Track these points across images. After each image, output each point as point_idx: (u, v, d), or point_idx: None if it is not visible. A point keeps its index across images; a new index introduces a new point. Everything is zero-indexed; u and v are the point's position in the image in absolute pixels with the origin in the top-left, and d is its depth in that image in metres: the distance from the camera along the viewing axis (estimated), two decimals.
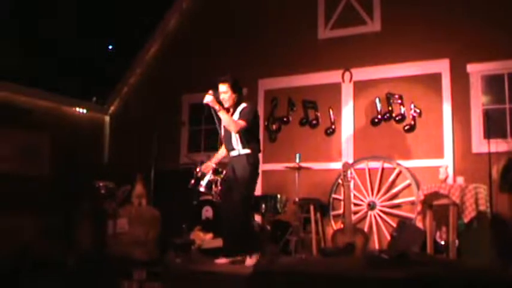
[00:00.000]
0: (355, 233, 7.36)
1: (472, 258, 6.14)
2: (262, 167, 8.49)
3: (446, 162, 7.73)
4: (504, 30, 7.71)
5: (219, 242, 6.88)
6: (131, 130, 10.45)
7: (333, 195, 8.53)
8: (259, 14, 9.65)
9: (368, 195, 8.30)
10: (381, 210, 8.17)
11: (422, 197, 7.06)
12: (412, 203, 7.89)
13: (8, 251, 6.33)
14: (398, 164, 8.15)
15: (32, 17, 9.90)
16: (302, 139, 8.90)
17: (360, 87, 8.67)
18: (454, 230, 6.69)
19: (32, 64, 9.75)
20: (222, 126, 6.63)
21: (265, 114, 9.23)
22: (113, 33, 11.47)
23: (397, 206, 8.10)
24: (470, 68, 7.91)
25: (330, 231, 8.22)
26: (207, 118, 7.01)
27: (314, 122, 8.93)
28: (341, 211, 8.18)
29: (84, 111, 10.67)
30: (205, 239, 7.27)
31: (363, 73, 8.65)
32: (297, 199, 7.81)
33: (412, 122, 8.20)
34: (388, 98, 8.38)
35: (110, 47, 12.09)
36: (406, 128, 8.24)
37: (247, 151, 6.47)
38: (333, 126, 8.78)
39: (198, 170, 7.23)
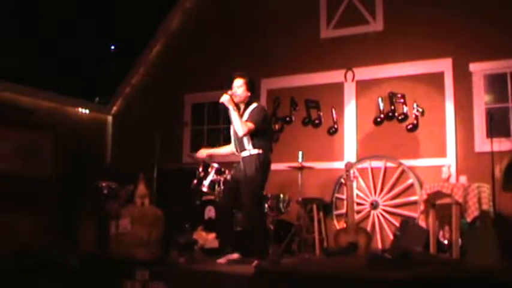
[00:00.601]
0: (358, 232, 7.36)
1: (475, 257, 6.13)
2: None
3: (449, 162, 7.73)
4: (507, 29, 7.71)
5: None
6: (134, 130, 10.46)
7: (336, 195, 8.53)
8: (262, 14, 9.66)
9: (371, 194, 8.30)
10: (384, 210, 8.16)
11: (425, 196, 7.04)
12: (415, 202, 7.88)
13: (10, 251, 6.33)
14: (401, 164, 8.15)
15: (34, 16, 9.90)
16: (305, 139, 8.90)
17: (363, 86, 8.67)
18: (457, 229, 6.68)
19: (35, 64, 9.76)
20: (233, 129, 6.60)
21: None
22: (115, 33, 11.48)
23: (400, 206, 8.10)
24: (473, 67, 7.90)
25: (332, 231, 8.22)
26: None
27: (317, 121, 8.92)
28: (344, 210, 8.17)
29: (87, 111, 10.68)
30: (208, 238, 7.27)
31: (365, 72, 8.64)
32: (299, 199, 7.81)
33: (415, 121, 8.19)
34: (391, 97, 8.38)
35: (113, 47, 12.09)
36: (408, 127, 8.23)
37: (258, 151, 6.45)
38: (336, 126, 8.78)
39: (200, 170, 7.23)
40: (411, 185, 8.06)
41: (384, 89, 8.46)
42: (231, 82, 6.58)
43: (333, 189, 8.56)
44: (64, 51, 10.15)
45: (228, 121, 6.77)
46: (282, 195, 7.66)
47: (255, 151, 6.43)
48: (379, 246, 8.00)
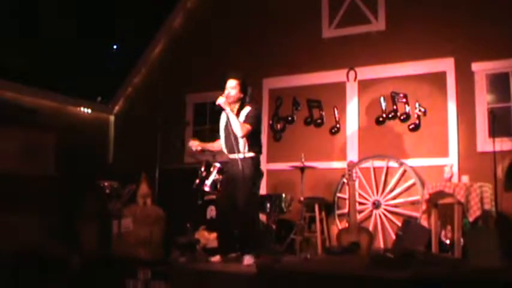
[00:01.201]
0: (360, 232, 7.35)
1: (477, 257, 6.12)
2: (267, 166, 8.54)
3: (451, 161, 7.72)
4: (509, 29, 7.70)
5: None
6: (136, 130, 10.47)
7: (338, 194, 8.53)
8: (264, 13, 9.66)
9: (373, 194, 8.30)
10: (386, 209, 8.16)
11: (427, 196, 7.04)
12: (417, 202, 7.87)
13: (12, 251, 6.33)
14: (403, 163, 8.14)
15: (35, 16, 9.91)
16: (307, 138, 8.90)
17: (365, 86, 8.66)
18: (459, 229, 6.67)
19: (36, 64, 9.77)
20: (225, 129, 6.58)
21: (270, 113, 9.24)
22: (117, 33, 11.49)
23: (402, 205, 8.10)
24: (475, 66, 7.89)
25: (334, 231, 8.21)
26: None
27: (319, 121, 8.92)
28: (346, 210, 8.16)
29: (89, 111, 10.69)
30: (210, 238, 7.27)
31: (367, 72, 8.64)
32: (301, 198, 7.81)
33: (417, 121, 8.19)
34: (393, 97, 8.38)
35: (115, 46, 12.11)
36: (410, 127, 8.23)
37: (252, 154, 6.47)
38: (338, 125, 8.78)
39: (202, 169, 7.23)
40: (413, 185, 8.06)
41: (386, 89, 8.45)
42: (225, 83, 6.58)
43: (335, 189, 8.56)
44: (66, 51, 10.15)
45: (214, 121, 6.76)
46: (284, 195, 7.67)
47: (250, 154, 6.44)
48: (381, 245, 8.00)
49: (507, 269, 4.87)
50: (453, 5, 8.14)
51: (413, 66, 8.30)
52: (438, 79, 8.13)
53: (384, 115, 8.44)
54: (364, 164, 8.40)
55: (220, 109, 6.51)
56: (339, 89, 8.83)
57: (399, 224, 7.75)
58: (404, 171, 8.15)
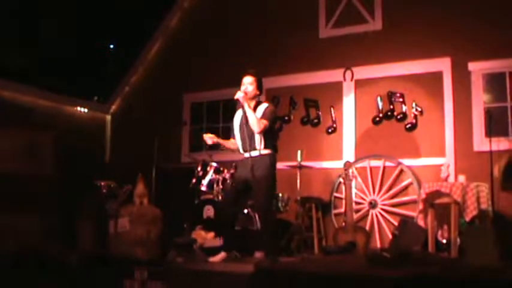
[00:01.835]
0: (357, 231, 7.35)
1: (473, 256, 6.13)
2: None
3: (447, 161, 7.73)
4: (506, 28, 7.70)
5: (220, 241, 6.89)
6: (133, 129, 10.46)
7: (335, 194, 8.54)
8: (261, 13, 9.65)
9: (369, 193, 8.31)
10: (383, 209, 8.17)
11: (423, 196, 7.05)
12: (414, 201, 7.88)
13: (10, 250, 6.33)
14: (400, 163, 8.15)
15: (33, 16, 9.90)
16: (303, 138, 8.90)
17: (362, 85, 8.67)
18: (456, 228, 6.68)
19: (34, 63, 9.76)
20: (241, 127, 6.54)
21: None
22: (114, 33, 11.49)
23: (399, 205, 8.10)
24: (472, 66, 7.90)
25: (331, 230, 8.22)
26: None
27: (315, 120, 8.93)
28: (342, 210, 8.18)
29: (86, 110, 10.68)
30: (206, 238, 7.26)
31: (364, 72, 8.64)
32: (298, 198, 7.82)
33: (414, 121, 8.20)
34: (390, 97, 8.38)
35: (111, 46, 12.10)
36: (407, 126, 8.24)
37: (268, 151, 6.45)
38: (335, 125, 8.78)
39: (199, 169, 7.23)
40: (410, 184, 8.07)
41: (382, 88, 8.46)
42: (241, 79, 6.54)
43: (332, 189, 8.56)
44: (63, 51, 10.15)
45: (229, 120, 6.75)
46: (280, 194, 7.67)
47: (266, 151, 6.40)
48: (378, 245, 8.01)
49: (504, 269, 4.87)
50: (450, 4, 8.14)
51: (410, 66, 8.30)
52: (435, 79, 8.14)
53: (381, 115, 8.44)
54: (361, 164, 8.41)
55: (233, 108, 6.51)
56: (336, 88, 8.83)
57: (396, 223, 7.76)
58: (401, 170, 8.16)
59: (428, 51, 8.17)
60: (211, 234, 7.23)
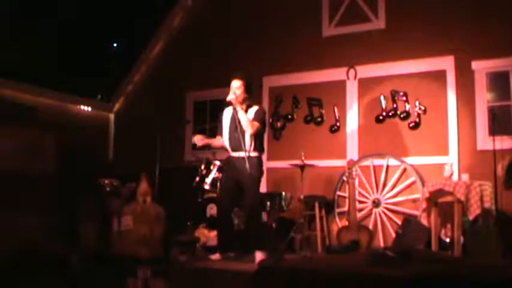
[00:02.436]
0: (360, 230, 7.36)
1: (477, 255, 6.13)
2: (267, 164, 8.51)
3: (451, 160, 7.72)
4: (509, 27, 7.69)
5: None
6: (136, 128, 10.47)
7: (338, 193, 8.53)
8: (264, 12, 9.65)
9: (373, 192, 8.30)
10: (386, 208, 8.16)
11: (427, 194, 7.04)
12: (417, 200, 7.87)
13: (11, 249, 6.34)
14: (403, 161, 8.14)
15: (36, 15, 9.91)
16: (307, 136, 8.90)
17: (365, 84, 8.66)
18: (459, 227, 6.68)
19: (37, 62, 9.76)
20: (230, 127, 6.59)
21: (270, 111, 9.21)
22: (117, 32, 11.48)
23: (402, 203, 8.10)
24: (475, 65, 7.89)
25: (334, 229, 8.20)
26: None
27: (319, 119, 8.92)
28: (346, 208, 8.16)
29: (89, 109, 10.69)
30: (210, 236, 7.27)
31: (367, 70, 8.64)
32: (301, 196, 7.81)
33: (417, 119, 8.19)
34: (393, 95, 8.38)
35: (115, 45, 12.10)
36: (411, 125, 8.23)
37: (257, 153, 6.53)
38: (338, 124, 8.77)
39: (202, 167, 7.23)
40: (413, 183, 8.06)
41: (386, 87, 8.45)
42: (229, 84, 6.61)
43: (335, 187, 8.56)
44: (66, 49, 10.16)
45: (215, 119, 6.80)
46: (284, 193, 7.67)
47: (255, 153, 6.49)
48: (381, 244, 8.00)
49: (507, 267, 4.87)
50: (453, 3, 8.13)
51: (413, 65, 8.29)
52: (438, 77, 8.13)
53: (384, 113, 8.44)
54: (364, 162, 8.40)
55: (225, 105, 6.59)
56: (339, 87, 8.83)
57: (399, 222, 7.76)
58: (405, 169, 8.15)
59: (431, 49, 8.16)
60: (214, 233, 7.23)
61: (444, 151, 7.96)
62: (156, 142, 8.17)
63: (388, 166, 8.27)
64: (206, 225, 7.60)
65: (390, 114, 8.38)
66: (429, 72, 8.20)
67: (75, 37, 10.37)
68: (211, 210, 7.89)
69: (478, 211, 6.61)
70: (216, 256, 6.57)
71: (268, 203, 7.68)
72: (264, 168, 6.86)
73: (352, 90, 8.74)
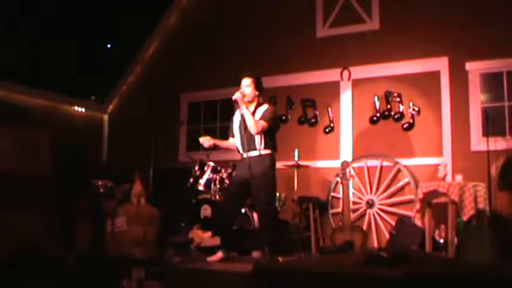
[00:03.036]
0: (354, 231, 7.36)
1: (471, 256, 6.13)
2: None
3: (445, 161, 7.73)
4: (503, 28, 7.71)
5: (217, 241, 6.89)
6: (130, 129, 10.46)
7: (332, 194, 8.54)
8: (258, 13, 9.66)
9: (367, 193, 8.31)
10: (380, 209, 8.17)
11: (421, 195, 7.03)
12: (411, 201, 7.89)
13: (6, 250, 6.32)
14: (397, 162, 8.16)
15: (30, 15, 9.89)
16: (301, 137, 8.90)
17: (359, 85, 8.68)
18: (453, 228, 6.68)
19: (31, 63, 9.75)
20: (240, 127, 6.56)
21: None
22: (112, 32, 11.47)
23: (396, 204, 8.11)
24: (469, 66, 7.91)
25: (328, 230, 8.22)
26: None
27: (313, 120, 8.93)
28: (340, 209, 8.17)
29: (83, 110, 10.67)
30: (204, 237, 7.26)
31: (361, 71, 8.65)
32: (295, 197, 7.82)
33: (411, 120, 8.20)
34: (387, 96, 8.39)
35: (109, 45, 12.09)
36: (404, 126, 8.24)
37: (268, 151, 6.46)
38: (332, 125, 8.78)
39: (196, 168, 7.23)
40: (407, 184, 8.08)
41: (380, 88, 8.46)
42: (239, 82, 6.57)
43: (329, 188, 8.57)
44: (61, 50, 10.14)
45: (226, 119, 6.76)
46: (277, 194, 7.67)
47: (266, 151, 6.42)
48: (375, 245, 8.01)
49: (501, 268, 4.88)
50: (447, 4, 8.14)
51: (407, 66, 8.31)
52: (432, 78, 8.14)
53: (378, 114, 8.45)
54: (358, 163, 8.42)
55: (231, 108, 6.56)
56: (333, 88, 8.84)
57: (393, 223, 7.78)
58: (398, 170, 8.17)
59: (425, 51, 8.18)
60: (208, 234, 7.23)
61: (438, 152, 7.98)
62: (150, 143, 8.16)
63: (382, 167, 8.28)
64: (200, 226, 7.59)
65: (384, 115, 8.40)
66: (423, 73, 8.22)
67: (70, 38, 10.35)
68: (205, 211, 7.88)
69: (472, 212, 6.61)
70: (215, 257, 6.53)
71: None
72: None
73: (346, 91, 8.75)
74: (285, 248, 7.39)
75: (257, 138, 6.38)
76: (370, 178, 8.33)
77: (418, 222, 7.18)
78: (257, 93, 6.56)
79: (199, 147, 8.12)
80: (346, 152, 8.59)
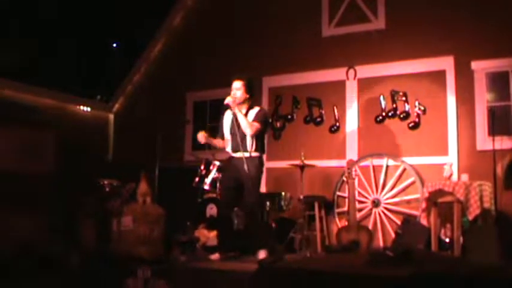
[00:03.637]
0: (360, 230, 7.35)
1: (476, 255, 6.13)
2: (267, 164, 8.51)
3: (450, 160, 7.72)
4: (509, 27, 7.69)
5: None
6: (135, 128, 10.47)
7: (338, 193, 8.53)
8: (264, 12, 9.65)
9: (372, 192, 8.30)
10: (386, 208, 8.16)
11: (426, 194, 7.03)
12: (417, 200, 7.88)
13: (11, 249, 6.34)
14: (403, 161, 8.15)
15: (35, 15, 9.91)
16: (306, 137, 8.90)
17: (364, 84, 8.66)
18: (459, 227, 6.67)
19: (37, 62, 9.77)
20: (232, 128, 6.61)
21: (270, 111, 9.22)
22: (117, 32, 11.49)
23: (402, 204, 8.10)
24: (475, 65, 7.89)
25: (334, 229, 8.22)
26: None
27: (318, 119, 8.93)
28: (345, 208, 8.16)
29: (89, 109, 10.69)
30: (209, 236, 7.27)
31: (367, 70, 8.64)
32: (301, 196, 7.81)
33: (417, 119, 8.19)
34: (393, 95, 8.38)
35: (115, 45, 12.11)
36: (410, 125, 8.23)
37: (258, 154, 6.55)
38: (338, 124, 8.78)
39: (202, 167, 7.24)
40: (413, 183, 8.06)
41: (385, 87, 8.45)
42: (230, 85, 6.64)
43: (335, 187, 8.56)
44: (66, 50, 10.16)
45: (214, 119, 6.82)
46: (283, 193, 7.69)
47: (256, 153, 6.51)
48: (381, 244, 8.00)
49: (507, 267, 4.87)
50: (453, 3, 8.13)
51: (413, 65, 8.30)
52: (438, 77, 8.13)
53: (384, 113, 8.44)
54: (364, 163, 8.41)
55: (225, 108, 6.62)
56: (339, 87, 8.83)
57: (399, 222, 7.77)
58: (404, 169, 8.16)
59: (431, 50, 8.16)
60: (214, 233, 7.24)
61: (444, 151, 7.96)
62: (155, 142, 8.17)
63: (387, 166, 8.28)
64: (206, 225, 7.60)
65: (390, 114, 8.39)
66: (429, 72, 8.20)
67: (76, 37, 10.37)
68: (211, 210, 7.89)
69: (477, 211, 6.60)
70: (215, 256, 6.58)
71: (268, 203, 7.69)
72: (264, 168, 6.88)
73: (351, 90, 8.74)
74: (286, 247, 7.45)
75: (249, 139, 6.48)
76: (376, 177, 8.32)
77: (424, 222, 7.17)
78: (247, 96, 6.61)
79: (204, 146, 8.15)
80: (351, 151, 8.58)
